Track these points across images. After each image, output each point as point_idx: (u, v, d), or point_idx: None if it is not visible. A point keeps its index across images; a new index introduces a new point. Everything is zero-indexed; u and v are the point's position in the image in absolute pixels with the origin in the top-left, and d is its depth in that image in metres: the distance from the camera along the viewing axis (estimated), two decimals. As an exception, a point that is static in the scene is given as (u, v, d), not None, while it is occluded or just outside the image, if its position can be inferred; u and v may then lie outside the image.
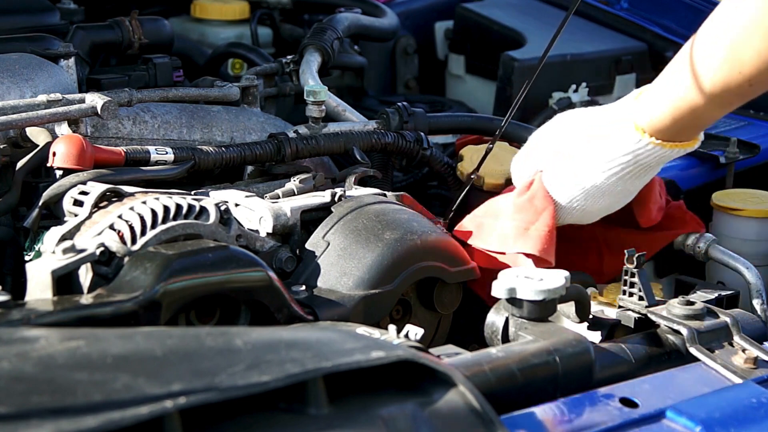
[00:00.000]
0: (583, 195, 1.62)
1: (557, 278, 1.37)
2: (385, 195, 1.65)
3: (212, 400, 0.95)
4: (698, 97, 1.45)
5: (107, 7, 2.45)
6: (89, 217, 1.45)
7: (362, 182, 1.75)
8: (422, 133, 1.90)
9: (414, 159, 1.90)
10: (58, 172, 1.57)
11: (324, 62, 2.11)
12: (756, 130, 2.22)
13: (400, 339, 1.21)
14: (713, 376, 1.34)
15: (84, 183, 1.51)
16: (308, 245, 1.53)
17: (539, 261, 1.59)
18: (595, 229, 1.72)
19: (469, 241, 1.67)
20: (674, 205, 1.76)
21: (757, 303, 1.64)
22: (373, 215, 1.56)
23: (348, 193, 1.63)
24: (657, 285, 1.65)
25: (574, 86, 2.42)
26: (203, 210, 1.46)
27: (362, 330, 1.25)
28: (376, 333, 1.23)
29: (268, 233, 1.53)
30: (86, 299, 1.28)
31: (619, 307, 1.50)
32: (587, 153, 1.59)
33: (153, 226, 1.41)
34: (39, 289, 1.32)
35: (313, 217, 1.57)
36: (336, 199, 1.59)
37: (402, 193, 1.71)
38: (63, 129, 1.67)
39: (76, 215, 1.47)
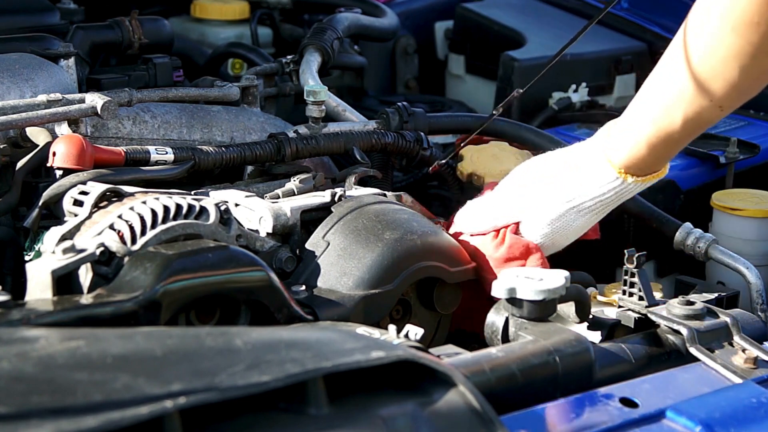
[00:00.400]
0: (552, 232, 1.63)
1: (557, 278, 1.37)
2: (385, 195, 1.65)
3: (212, 400, 0.95)
4: (672, 128, 1.47)
5: (107, 7, 2.45)
6: (89, 217, 1.45)
7: (362, 182, 1.75)
8: (422, 133, 1.91)
9: (414, 159, 1.90)
10: (58, 172, 1.57)
11: (324, 62, 2.11)
12: (756, 130, 2.22)
13: (400, 339, 1.21)
14: (713, 376, 1.34)
15: (84, 183, 1.51)
16: (308, 245, 1.53)
17: None
18: None
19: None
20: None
21: (757, 303, 1.64)
22: (373, 215, 1.56)
23: (348, 193, 1.63)
24: (657, 285, 1.64)
25: (574, 86, 2.42)
26: (203, 210, 1.46)
27: (362, 330, 1.25)
28: (376, 333, 1.23)
29: (268, 233, 1.53)
30: (86, 299, 1.28)
31: (619, 307, 1.50)
32: (561, 193, 1.60)
33: (153, 226, 1.41)
34: (39, 289, 1.32)
35: (313, 217, 1.57)
36: (336, 199, 1.59)
37: (402, 193, 1.71)
38: (63, 129, 1.67)
39: (76, 215, 1.47)
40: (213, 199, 1.52)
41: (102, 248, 1.36)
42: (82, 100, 1.69)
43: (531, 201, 1.63)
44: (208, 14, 2.58)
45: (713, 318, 1.44)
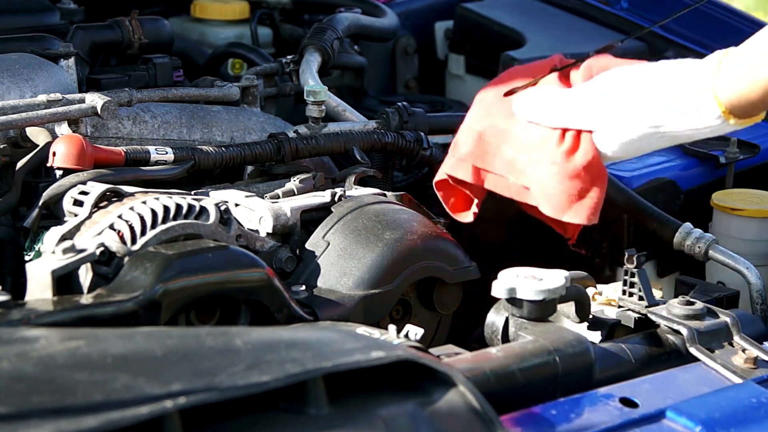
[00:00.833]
0: (628, 150, 1.51)
1: (557, 278, 1.37)
2: (385, 195, 1.65)
3: (212, 400, 0.95)
4: None
5: (107, 7, 2.45)
6: (89, 217, 1.45)
7: (362, 182, 1.75)
8: (422, 133, 1.91)
9: (414, 159, 1.90)
10: (58, 172, 1.57)
11: (324, 62, 2.11)
12: (756, 130, 2.20)
13: (400, 339, 1.21)
14: (713, 376, 1.34)
15: (84, 183, 1.51)
16: (308, 245, 1.53)
17: (570, 226, 1.57)
18: None
19: (463, 153, 1.59)
20: None
21: (757, 303, 1.64)
22: (373, 215, 1.56)
23: (348, 193, 1.63)
24: (657, 285, 1.64)
25: (574, 86, 2.42)
26: (203, 210, 1.46)
27: (362, 330, 1.25)
28: (376, 333, 1.23)
29: (268, 233, 1.53)
30: (86, 299, 1.28)
31: (619, 307, 1.50)
32: (652, 116, 1.46)
33: (153, 226, 1.41)
34: (39, 289, 1.32)
35: (313, 217, 1.57)
36: (336, 199, 1.59)
37: (402, 193, 1.71)
38: (63, 129, 1.67)
39: (76, 215, 1.47)
40: (213, 199, 1.52)
41: (102, 248, 1.36)
42: (82, 100, 1.69)
43: (615, 113, 1.49)
44: (208, 14, 2.58)
45: (713, 318, 1.44)
